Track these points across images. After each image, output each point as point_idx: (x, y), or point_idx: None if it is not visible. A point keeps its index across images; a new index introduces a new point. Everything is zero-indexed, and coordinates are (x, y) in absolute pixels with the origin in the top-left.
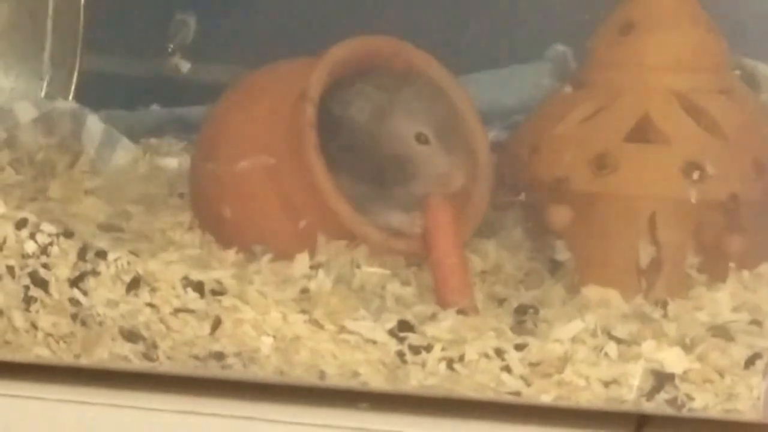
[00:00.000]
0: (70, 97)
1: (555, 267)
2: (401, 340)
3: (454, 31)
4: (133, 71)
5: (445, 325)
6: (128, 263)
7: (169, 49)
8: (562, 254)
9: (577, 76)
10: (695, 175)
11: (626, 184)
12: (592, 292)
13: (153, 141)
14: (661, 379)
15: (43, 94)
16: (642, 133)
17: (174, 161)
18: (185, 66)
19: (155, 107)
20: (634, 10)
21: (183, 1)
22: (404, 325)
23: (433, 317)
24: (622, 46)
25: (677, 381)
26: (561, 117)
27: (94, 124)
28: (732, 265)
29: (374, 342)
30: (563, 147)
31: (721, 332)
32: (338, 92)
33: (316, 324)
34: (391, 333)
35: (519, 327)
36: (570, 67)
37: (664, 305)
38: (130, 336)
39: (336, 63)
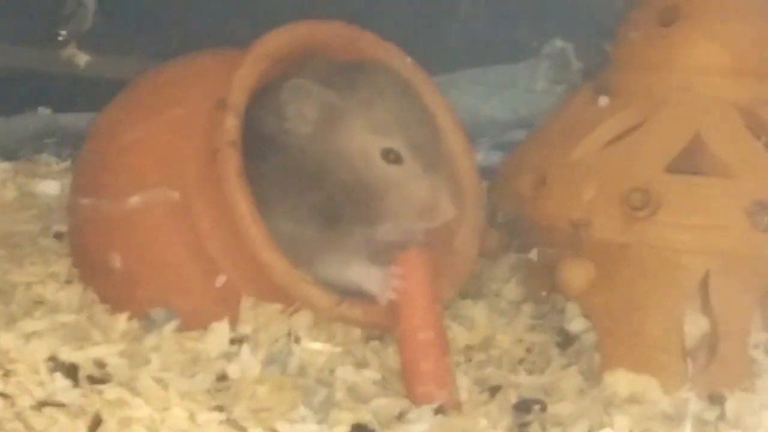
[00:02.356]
0: None
1: (566, 341)
2: None
3: (426, 23)
4: (13, 64)
5: (419, 430)
6: None
7: (61, 37)
8: (576, 323)
9: (601, 80)
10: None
11: (670, 232)
12: (619, 379)
13: (28, 159)
14: None
15: None
16: (691, 160)
17: (54, 186)
18: (82, 59)
19: (42, 110)
20: None
21: None
22: (361, 431)
23: (401, 417)
24: (664, 40)
25: None
26: (579, 136)
27: None
28: None
29: None
30: (582, 178)
31: None
32: (270, 97)
33: (237, 426)
34: None
35: None
36: (571, 67)
37: (720, 401)
38: None
39: (267, 57)
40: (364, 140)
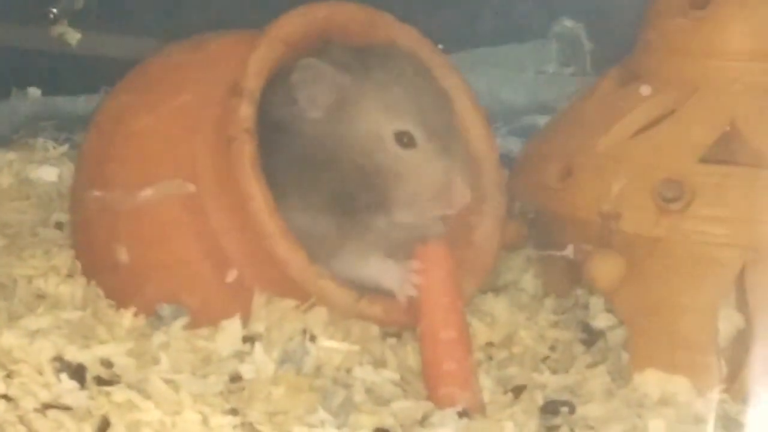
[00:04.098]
0: None
1: (591, 338)
2: None
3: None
4: (2, 43)
5: None
6: None
7: (52, 15)
8: (601, 319)
9: (629, 65)
10: None
11: (704, 225)
12: (650, 380)
13: (24, 143)
14: None
15: None
16: (726, 150)
17: (52, 172)
18: (74, 37)
19: (33, 91)
20: None
21: None
22: None
23: (424, 421)
24: (697, 23)
25: None
26: (607, 124)
27: None
28: None
29: None
30: (611, 169)
31: None
32: (283, 81)
33: (253, 431)
34: None
35: None
36: (582, 48)
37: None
38: None
39: (283, 41)
40: (376, 123)
